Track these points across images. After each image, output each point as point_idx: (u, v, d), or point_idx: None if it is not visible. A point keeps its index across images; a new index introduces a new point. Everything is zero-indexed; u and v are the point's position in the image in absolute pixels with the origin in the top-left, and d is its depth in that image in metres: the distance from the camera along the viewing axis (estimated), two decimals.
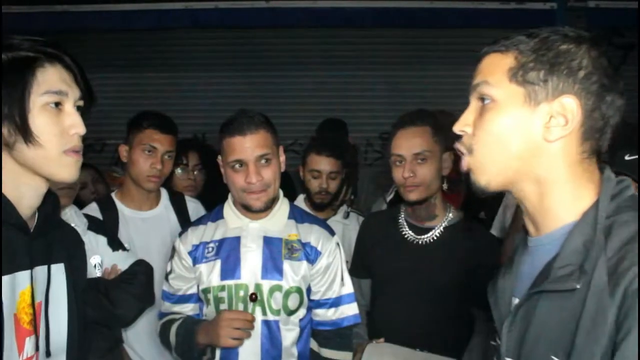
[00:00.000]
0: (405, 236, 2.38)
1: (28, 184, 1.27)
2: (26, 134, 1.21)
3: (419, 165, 2.22)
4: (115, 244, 2.32)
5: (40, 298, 1.32)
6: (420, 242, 2.35)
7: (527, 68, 1.09)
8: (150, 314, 2.44)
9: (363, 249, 2.56)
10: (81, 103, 1.30)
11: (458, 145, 1.19)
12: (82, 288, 1.51)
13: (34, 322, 1.29)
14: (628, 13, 4.48)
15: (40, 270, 1.33)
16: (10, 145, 1.22)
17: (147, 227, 2.66)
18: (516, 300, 1.19)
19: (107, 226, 2.46)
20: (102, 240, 2.29)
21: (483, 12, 5.20)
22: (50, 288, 1.34)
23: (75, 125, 1.27)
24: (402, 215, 2.42)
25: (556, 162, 1.09)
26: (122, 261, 2.29)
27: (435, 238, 2.33)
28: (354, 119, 5.16)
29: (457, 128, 1.18)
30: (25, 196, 1.28)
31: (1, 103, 1.19)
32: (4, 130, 1.21)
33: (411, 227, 2.39)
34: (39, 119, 1.22)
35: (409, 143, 2.23)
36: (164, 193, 2.78)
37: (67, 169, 1.27)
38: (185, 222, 2.70)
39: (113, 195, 2.72)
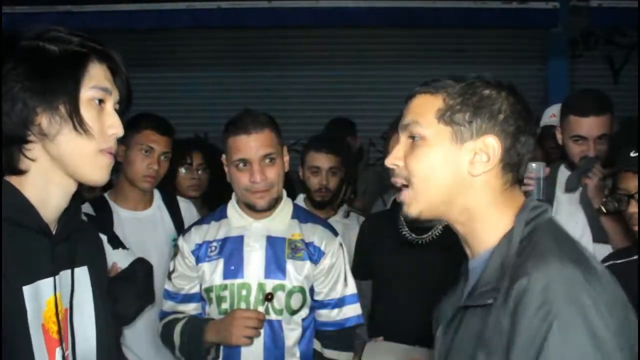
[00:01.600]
0: (405, 236, 2.38)
1: (58, 183, 1.22)
2: (78, 121, 1.17)
3: None
4: (115, 242, 2.33)
5: (65, 305, 1.27)
6: (420, 242, 2.35)
7: (454, 110, 1.20)
8: (148, 313, 2.44)
9: (363, 251, 2.56)
10: (118, 106, 1.28)
11: (395, 179, 1.28)
12: (105, 288, 1.46)
13: (60, 332, 1.23)
14: (631, 12, 4.47)
15: (64, 275, 1.27)
16: (50, 137, 1.17)
17: (141, 227, 2.67)
18: None
19: (106, 225, 2.47)
20: (102, 238, 2.30)
21: (485, 11, 5.19)
22: (75, 293, 1.29)
23: (114, 125, 1.24)
24: (401, 215, 2.42)
25: (481, 193, 1.20)
26: (122, 259, 2.29)
27: (435, 237, 2.33)
28: (357, 119, 5.15)
29: (388, 162, 1.28)
30: (53, 196, 1.23)
31: (1, 100, 1.16)
32: (44, 121, 1.17)
33: (411, 226, 2.39)
34: (85, 111, 1.20)
35: None
36: (156, 193, 2.80)
37: (99, 170, 1.24)
38: (178, 222, 2.71)
39: (106, 195, 2.73)
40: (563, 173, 2.62)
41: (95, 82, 1.21)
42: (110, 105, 1.25)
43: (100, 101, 1.23)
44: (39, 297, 1.19)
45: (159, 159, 2.62)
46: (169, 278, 2.22)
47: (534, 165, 2.40)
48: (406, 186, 1.25)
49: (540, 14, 5.24)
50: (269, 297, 2.08)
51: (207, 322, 2.10)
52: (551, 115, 3.16)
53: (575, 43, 5.85)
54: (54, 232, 1.25)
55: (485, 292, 1.14)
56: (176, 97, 5.92)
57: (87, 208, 2.59)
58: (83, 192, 3.42)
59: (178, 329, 2.13)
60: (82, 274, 1.34)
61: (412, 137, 1.24)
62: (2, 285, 1.11)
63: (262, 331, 2.06)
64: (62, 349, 1.23)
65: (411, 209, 1.26)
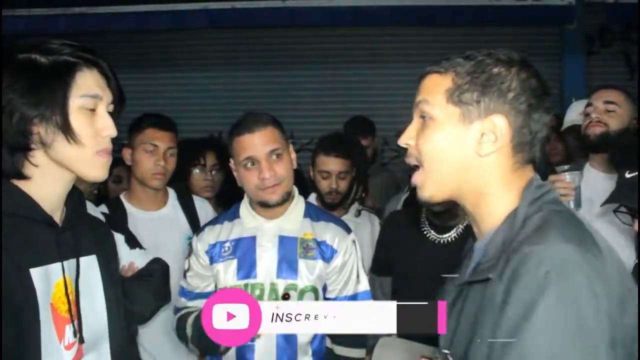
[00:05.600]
0: (427, 235, 2.39)
1: (59, 178, 1.33)
2: (68, 133, 1.28)
3: None
4: (132, 242, 2.33)
5: (73, 288, 1.39)
6: (441, 241, 2.35)
7: (462, 90, 1.20)
8: (163, 313, 2.45)
9: (385, 247, 2.57)
10: (112, 107, 1.37)
11: (408, 159, 1.28)
12: (118, 278, 1.58)
13: (71, 311, 1.36)
14: None
15: (73, 262, 1.39)
16: (47, 145, 1.28)
17: (156, 227, 2.67)
18: None
19: (122, 225, 2.49)
20: (120, 238, 2.30)
21: (500, 8, 5.17)
22: (80, 279, 1.40)
23: (107, 127, 1.33)
24: (424, 214, 2.43)
25: (489, 173, 1.20)
26: (139, 259, 2.30)
27: (456, 237, 2.33)
28: (371, 118, 5.15)
29: (401, 141, 1.29)
30: (52, 189, 1.34)
31: (0, 103, 1.25)
32: (41, 130, 1.27)
33: (432, 226, 2.39)
34: (76, 120, 1.29)
35: None
36: (171, 192, 2.80)
37: (98, 169, 1.35)
38: (193, 221, 2.71)
39: (121, 196, 2.75)
40: (588, 171, 2.57)
41: (85, 90, 1.30)
42: (102, 108, 1.34)
43: (92, 107, 1.32)
44: (49, 279, 1.32)
45: (164, 155, 2.63)
46: (184, 276, 2.25)
47: (567, 175, 2.35)
48: (418, 167, 1.26)
49: (556, 10, 5.22)
50: (285, 297, 2.09)
51: None
52: (580, 112, 3.08)
53: (590, 40, 5.79)
54: (60, 223, 1.38)
55: (486, 268, 1.14)
56: (190, 97, 5.95)
57: (103, 209, 2.61)
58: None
59: (190, 321, 2.14)
60: (91, 261, 1.46)
61: (423, 117, 1.24)
62: (10, 267, 1.24)
63: None
64: (74, 326, 1.36)
65: (424, 191, 1.25)
